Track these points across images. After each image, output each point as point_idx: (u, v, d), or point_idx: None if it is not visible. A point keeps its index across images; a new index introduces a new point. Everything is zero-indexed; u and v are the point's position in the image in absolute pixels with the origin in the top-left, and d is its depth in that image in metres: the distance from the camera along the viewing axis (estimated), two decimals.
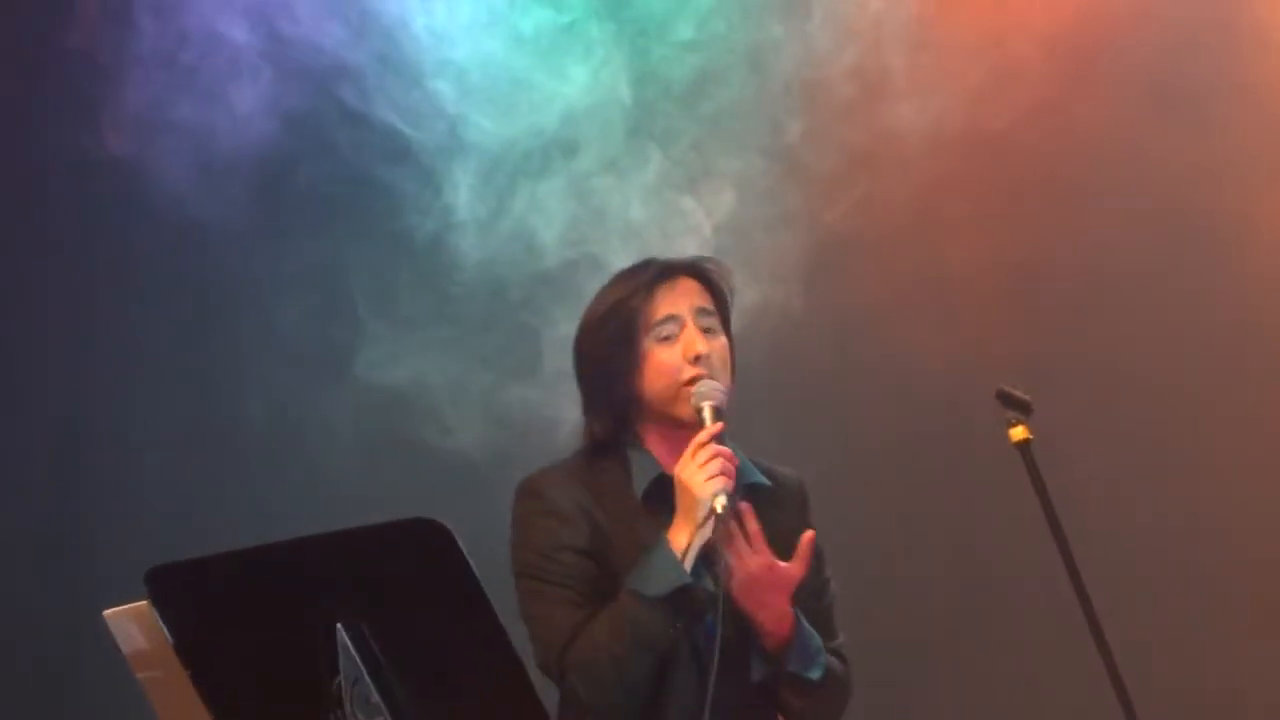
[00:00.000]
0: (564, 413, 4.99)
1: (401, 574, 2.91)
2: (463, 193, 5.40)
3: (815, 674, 3.37)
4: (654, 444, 3.47)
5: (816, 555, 3.43)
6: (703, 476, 3.28)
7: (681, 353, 3.40)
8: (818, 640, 3.40)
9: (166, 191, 5.40)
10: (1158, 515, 5.22)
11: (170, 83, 5.49)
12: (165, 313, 5.61)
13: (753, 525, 3.31)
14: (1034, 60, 5.32)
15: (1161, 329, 5.28)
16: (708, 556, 3.32)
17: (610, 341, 3.43)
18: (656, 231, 5.04)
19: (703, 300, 3.45)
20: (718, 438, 3.33)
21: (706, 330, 3.43)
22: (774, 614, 3.34)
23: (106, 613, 3.17)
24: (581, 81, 5.38)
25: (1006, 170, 5.37)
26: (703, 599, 3.32)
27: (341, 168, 5.50)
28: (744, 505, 3.32)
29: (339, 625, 2.90)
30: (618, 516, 3.41)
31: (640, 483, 3.45)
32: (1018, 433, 3.51)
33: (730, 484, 3.29)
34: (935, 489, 5.31)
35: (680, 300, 3.43)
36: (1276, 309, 5.24)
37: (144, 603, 2.98)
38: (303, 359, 5.46)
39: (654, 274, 3.46)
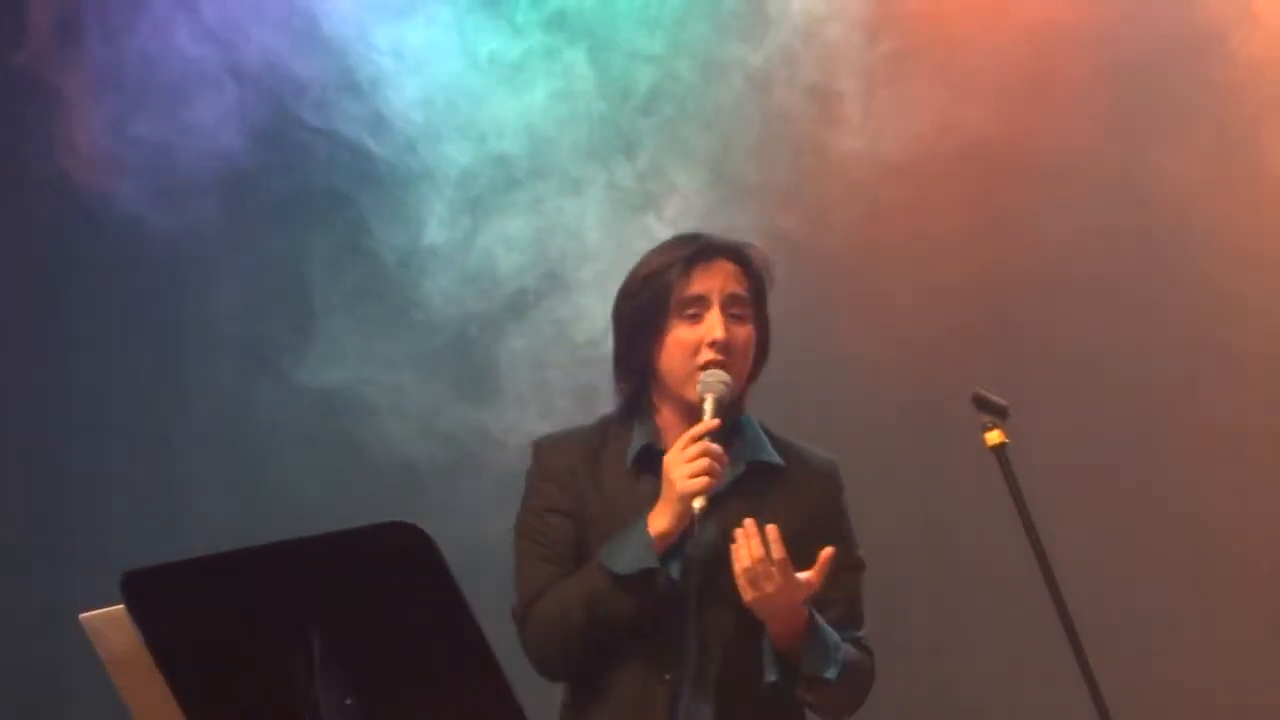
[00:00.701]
0: (520, 427, 5.03)
1: (378, 578, 2.90)
2: (424, 212, 5.42)
3: (831, 672, 3.37)
4: (665, 418, 3.51)
5: (845, 542, 3.47)
6: (685, 472, 3.33)
7: (702, 334, 3.43)
8: (835, 638, 3.41)
9: (123, 208, 5.40)
10: (1135, 519, 5.26)
11: (123, 100, 5.48)
12: (128, 326, 5.62)
13: (779, 552, 3.30)
14: (990, 82, 5.36)
15: (1133, 333, 5.33)
16: (683, 545, 3.37)
17: (640, 310, 3.46)
18: (616, 247, 5.06)
19: (737, 286, 3.46)
20: (717, 434, 3.36)
21: (734, 317, 3.45)
22: (787, 621, 3.36)
23: (83, 616, 3.15)
24: (539, 100, 5.40)
25: (972, 183, 5.41)
26: (665, 586, 3.36)
27: (299, 185, 5.51)
28: (772, 532, 3.32)
29: (315, 629, 2.88)
30: (611, 486, 3.47)
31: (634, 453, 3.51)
32: (993, 436, 3.53)
33: (712, 483, 3.33)
34: (908, 495, 5.35)
35: (712, 281, 3.45)
36: (1244, 312, 5.28)
37: (120, 606, 2.96)
38: (258, 369, 5.47)
39: (694, 250, 3.47)
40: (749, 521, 3.32)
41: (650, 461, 3.45)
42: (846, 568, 3.49)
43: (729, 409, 3.43)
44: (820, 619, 3.39)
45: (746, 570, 3.30)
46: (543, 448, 3.56)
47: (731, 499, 3.43)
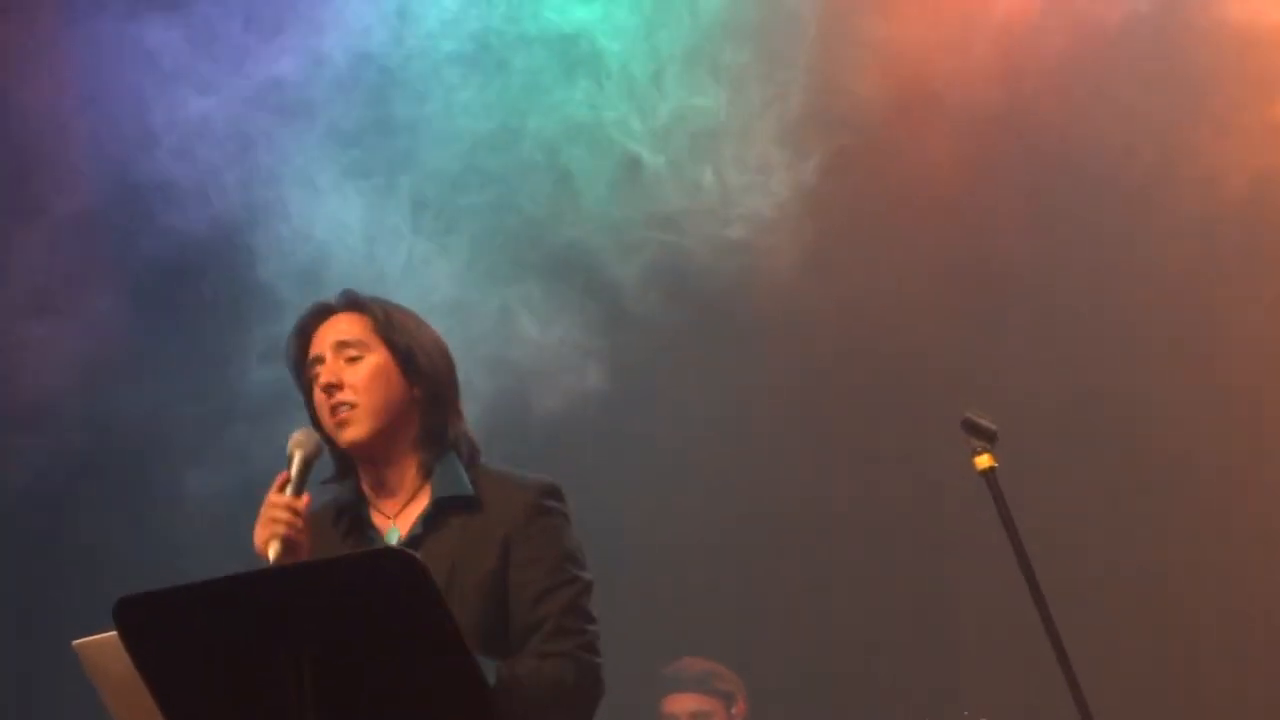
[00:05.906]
0: None
1: (369, 606, 2.89)
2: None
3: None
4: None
5: (543, 563, 3.45)
6: (259, 526, 3.35)
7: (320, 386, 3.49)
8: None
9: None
10: (1123, 545, 5.29)
11: None
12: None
13: None
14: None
15: (1125, 353, 5.36)
16: None
17: (302, 390, 3.56)
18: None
19: (343, 332, 3.51)
20: (298, 483, 3.38)
21: (351, 359, 3.49)
22: None
23: (76, 643, 3.16)
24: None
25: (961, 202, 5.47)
26: None
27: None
28: None
29: (306, 656, 2.88)
30: None
31: None
32: (983, 461, 3.54)
33: (279, 534, 3.32)
34: (901, 517, 5.39)
35: (323, 339, 3.51)
36: (1234, 329, 5.32)
37: (113, 633, 2.96)
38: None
39: (301, 322, 3.57)
40: None
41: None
42: (549, 588, 3.44)
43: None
44: None
45: None
46: None
47: (425, 535, 3.46)
